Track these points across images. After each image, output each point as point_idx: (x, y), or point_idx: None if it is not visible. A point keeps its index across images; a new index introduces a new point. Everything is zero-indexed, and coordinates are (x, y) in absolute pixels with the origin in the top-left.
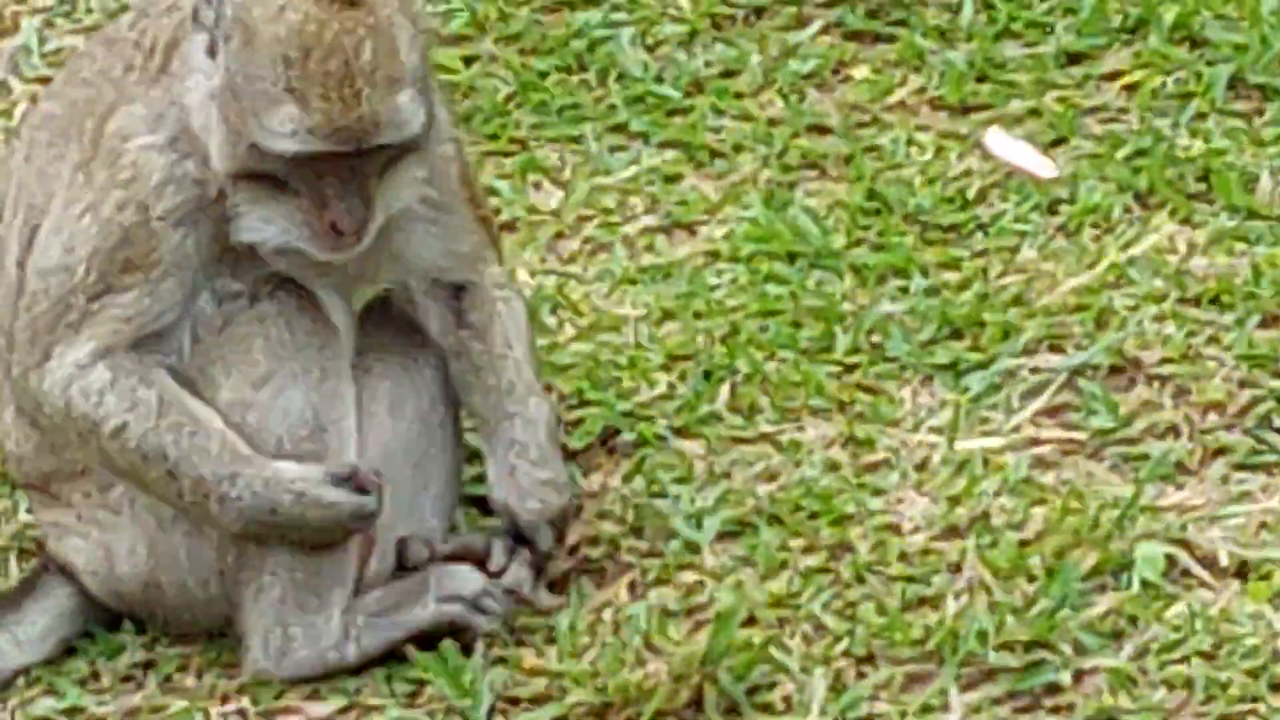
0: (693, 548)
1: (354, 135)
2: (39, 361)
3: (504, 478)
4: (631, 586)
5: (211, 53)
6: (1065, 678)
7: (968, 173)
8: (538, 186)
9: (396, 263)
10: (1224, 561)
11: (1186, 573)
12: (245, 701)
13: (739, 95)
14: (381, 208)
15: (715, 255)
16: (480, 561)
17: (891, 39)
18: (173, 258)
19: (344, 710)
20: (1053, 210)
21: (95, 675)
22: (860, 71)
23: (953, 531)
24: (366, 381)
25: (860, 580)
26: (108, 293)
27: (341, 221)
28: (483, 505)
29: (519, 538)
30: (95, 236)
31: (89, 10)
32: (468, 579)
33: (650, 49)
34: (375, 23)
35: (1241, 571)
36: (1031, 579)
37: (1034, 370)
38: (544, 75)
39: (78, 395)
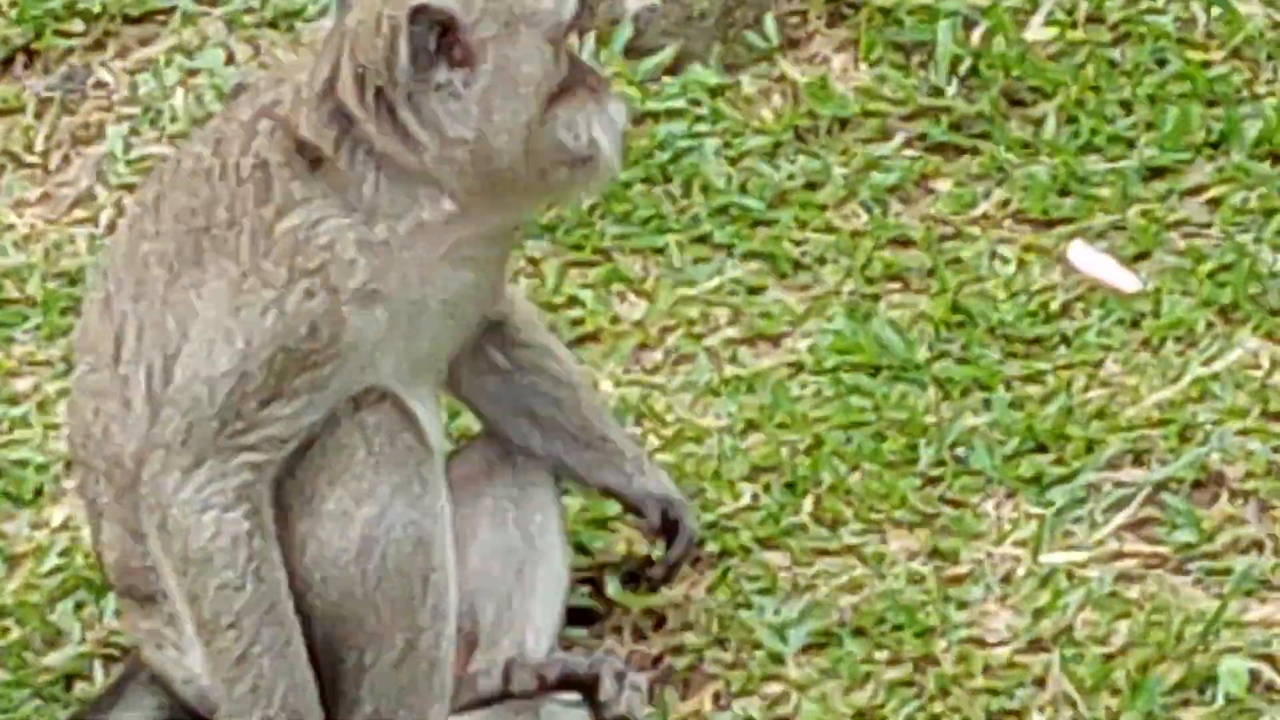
0: (777, 659)
1: None
2: (188, 466)
3: (638, 471)
4: (716, 698)
5: (463, 61)
6: None
7: (1051, 286)
8: (621, 297)
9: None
10: None
11: (1270, 687)
12: None
13: (822, 207)
14: None
15: (799, 367)
16: (588, 687)
17: (975, 152)
18: (352, 343)
19: None
20: (1136, 325)
21: None
22: (943, 185)
23: (1037, 645)
24: (467, 491)
25: (945, 693)
26: (277, 399)
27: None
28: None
29: (666, 528)
30: (281, 334)
31: (174, 119)
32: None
33: (733, 161)
34: None
35: None
36: (1115, 693)
37: (1118, 484)
38: (628, 186)
39: (206, 526)
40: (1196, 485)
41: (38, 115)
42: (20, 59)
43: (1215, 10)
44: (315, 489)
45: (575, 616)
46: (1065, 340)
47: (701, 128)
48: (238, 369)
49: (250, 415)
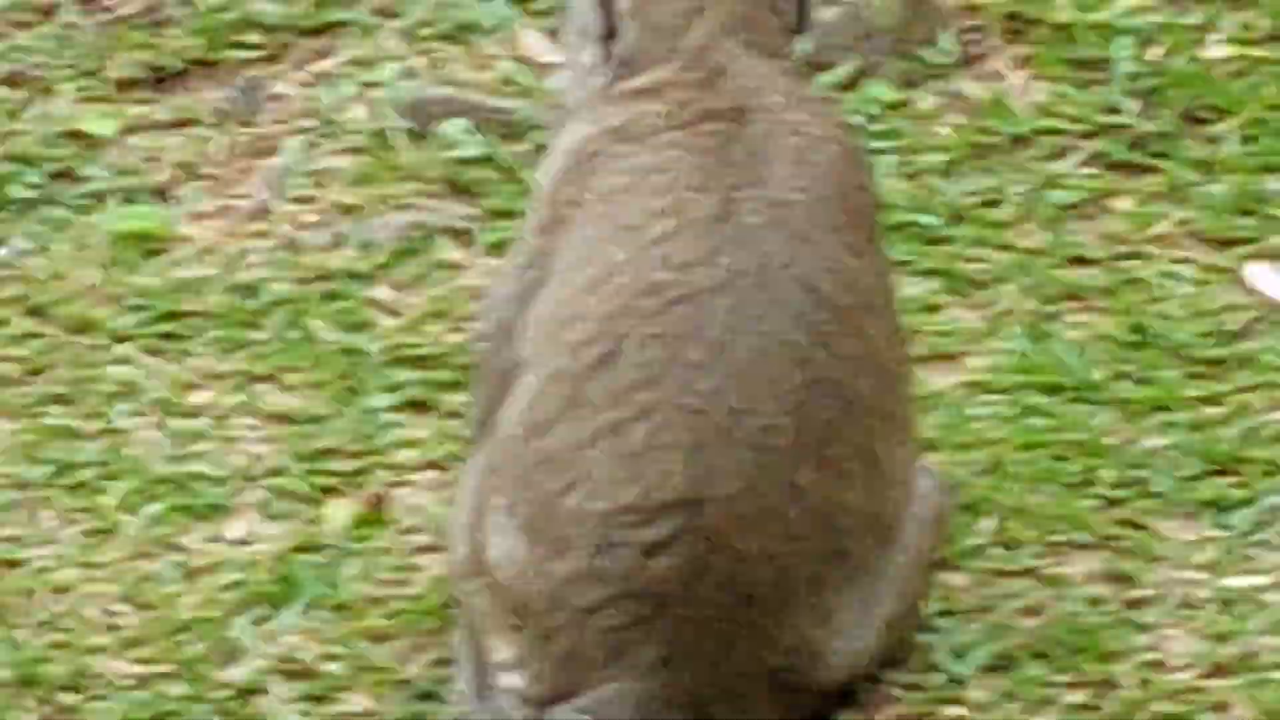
0: (957, 681)
1: None
2: None
3: None
4: None
5: None
6: None
7: (1230, 307)
8: None
9: None
10: None
11: None
12: None
13: (1000, 225)
14: None
15: (978, 386)
16: None
17: (1153, 171)
18: None
19: None
20: None
21: None
22: (1122, 203)
23: (1219, 670)
24: None
25: (1126, 718)
26: None
27: None
28: None
29: None
30: None
31: (351, 131)
32: None
33: (910, 177)
34: None
35: None
36: None
37: None
38: None
39: None
40: None
41: (214, 127)
42: (197, 71)
43: None
44: None
45: None
46: (1244, 362)
47: (879, 144)
48: None
49: None
